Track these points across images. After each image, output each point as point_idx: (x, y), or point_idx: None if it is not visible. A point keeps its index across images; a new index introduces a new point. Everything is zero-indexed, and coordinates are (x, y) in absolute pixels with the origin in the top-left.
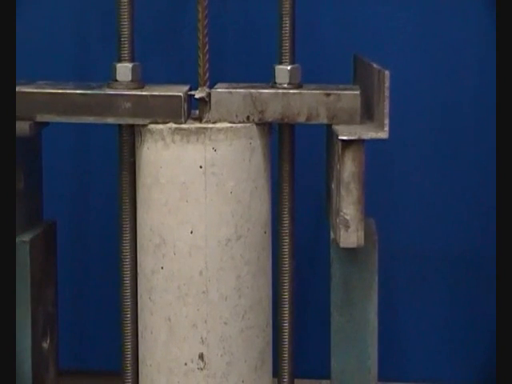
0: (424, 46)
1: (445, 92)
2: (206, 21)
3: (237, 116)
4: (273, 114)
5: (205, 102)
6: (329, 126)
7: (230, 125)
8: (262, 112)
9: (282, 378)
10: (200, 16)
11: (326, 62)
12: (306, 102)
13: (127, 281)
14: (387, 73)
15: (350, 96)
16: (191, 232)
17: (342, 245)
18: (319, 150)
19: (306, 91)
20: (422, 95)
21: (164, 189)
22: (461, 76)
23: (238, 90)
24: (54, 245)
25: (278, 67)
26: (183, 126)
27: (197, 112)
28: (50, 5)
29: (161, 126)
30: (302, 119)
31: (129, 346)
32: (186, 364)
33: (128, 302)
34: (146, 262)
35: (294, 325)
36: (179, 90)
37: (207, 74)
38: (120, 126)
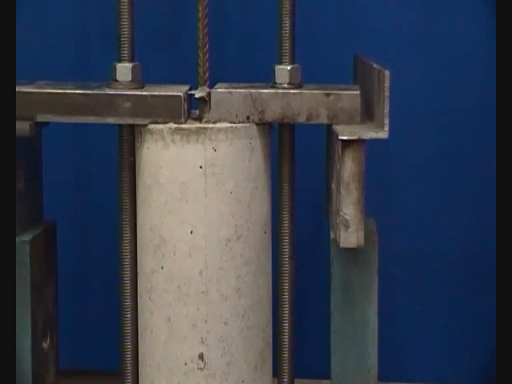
0: (424, 45)
1: (445, 92)
2: (206, 21)
3: (237, 116)
4: (273, 114)
5: (205, 102)
6: (329, 126)
7: (230, 125)
8: (262, 112)
9: (282, 378)
10: (200, 16)
11: (326, 62)
12: (306, 102)
13: (127, 281)
14: (387, 73)
15: (350, 96)
16: (191, 232)
17: (342, 245)
18: (319, 150)
19: (306, 91)
20: (422, 95)
21: (164, 189)
22: (461, 76)
23: (238, 90)
24: (54, 245)
25: (278, 67)
26: (183, 125)
27: (197, 112)
28: (49, 5)
29: (161, 126)
30: (302, 119)
31: (129, 346)
32: (186, 364)
33: (128, 302)
34: (145, 262)
35: (294, 325)
36: (179, 90)
37: (207, 74)
38: (120, 126)
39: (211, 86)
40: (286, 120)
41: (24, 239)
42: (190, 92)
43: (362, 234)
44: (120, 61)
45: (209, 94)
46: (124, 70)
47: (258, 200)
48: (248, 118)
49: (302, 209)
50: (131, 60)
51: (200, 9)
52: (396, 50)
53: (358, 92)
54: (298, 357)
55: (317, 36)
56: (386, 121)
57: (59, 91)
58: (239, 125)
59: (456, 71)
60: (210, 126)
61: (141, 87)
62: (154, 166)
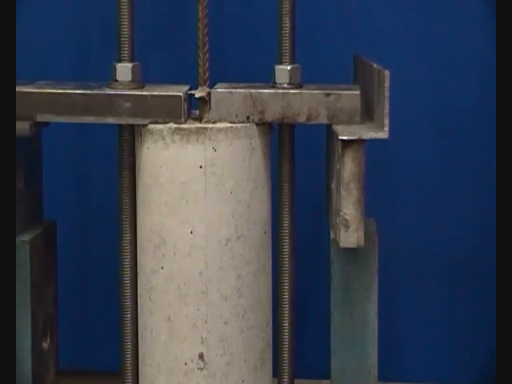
0: (424, 45)
1: (445, 92)
2: (206, 21)
3: (237, 116)
4: (273, 114)
5: (205, 102)
6: (329, 126)
7: (230, 125)
8: (262, 112)
9: (282, 378)
10: (200, 16)
11: (326, 62)
12: (306, 102)
13: (127, 281)
14: (387, 73)
15: (350, 96)
16: (191, 232)
17: (342, 245)
18: (319, 150)
19: (306, 91)
20: (423, 95)
21: (164, 189)
22: (461, 76)
23: (238, 90)
24: (54, 245)
25: (278, 67)
26: (183, 125)
27: (197, 112)
28: (49, 5)
29: (161, 126)
30: (302, 119)
31: (129, 346)
32: (186, 364)
33: (128, 302)
34: (146, 262)
35: (294, 325)
36: (179, 90)
37: (207, 74)
38: (120, 126)
39: (211, 86)
40: (286, 120)
41: (24, 239)
42: (190, 92)
43: (361, 234)
44: (120, 61)
45: (209, 94)
46: (124, 69)
47: (257, 200)
48: (248, 117)
49: (302, 209)
50: (131, 60)
51: (200, 9)
52: (396, 50)
53: (357, 92)
54: (298, 357)
55: (317, 36)
56: (386, 121)
57: (59, 91)
58: (239, 125)
59: (456, 71)
60: (210, 125)
61: (141, 87)
62: (154, 165)
